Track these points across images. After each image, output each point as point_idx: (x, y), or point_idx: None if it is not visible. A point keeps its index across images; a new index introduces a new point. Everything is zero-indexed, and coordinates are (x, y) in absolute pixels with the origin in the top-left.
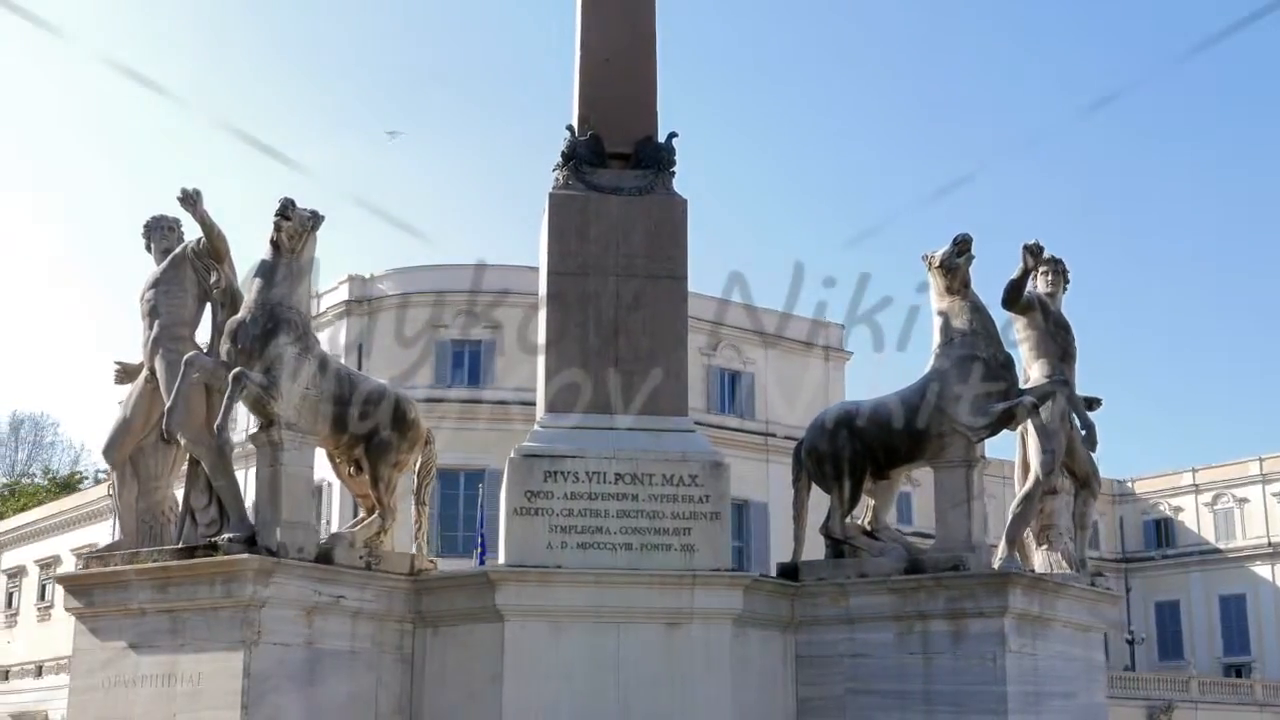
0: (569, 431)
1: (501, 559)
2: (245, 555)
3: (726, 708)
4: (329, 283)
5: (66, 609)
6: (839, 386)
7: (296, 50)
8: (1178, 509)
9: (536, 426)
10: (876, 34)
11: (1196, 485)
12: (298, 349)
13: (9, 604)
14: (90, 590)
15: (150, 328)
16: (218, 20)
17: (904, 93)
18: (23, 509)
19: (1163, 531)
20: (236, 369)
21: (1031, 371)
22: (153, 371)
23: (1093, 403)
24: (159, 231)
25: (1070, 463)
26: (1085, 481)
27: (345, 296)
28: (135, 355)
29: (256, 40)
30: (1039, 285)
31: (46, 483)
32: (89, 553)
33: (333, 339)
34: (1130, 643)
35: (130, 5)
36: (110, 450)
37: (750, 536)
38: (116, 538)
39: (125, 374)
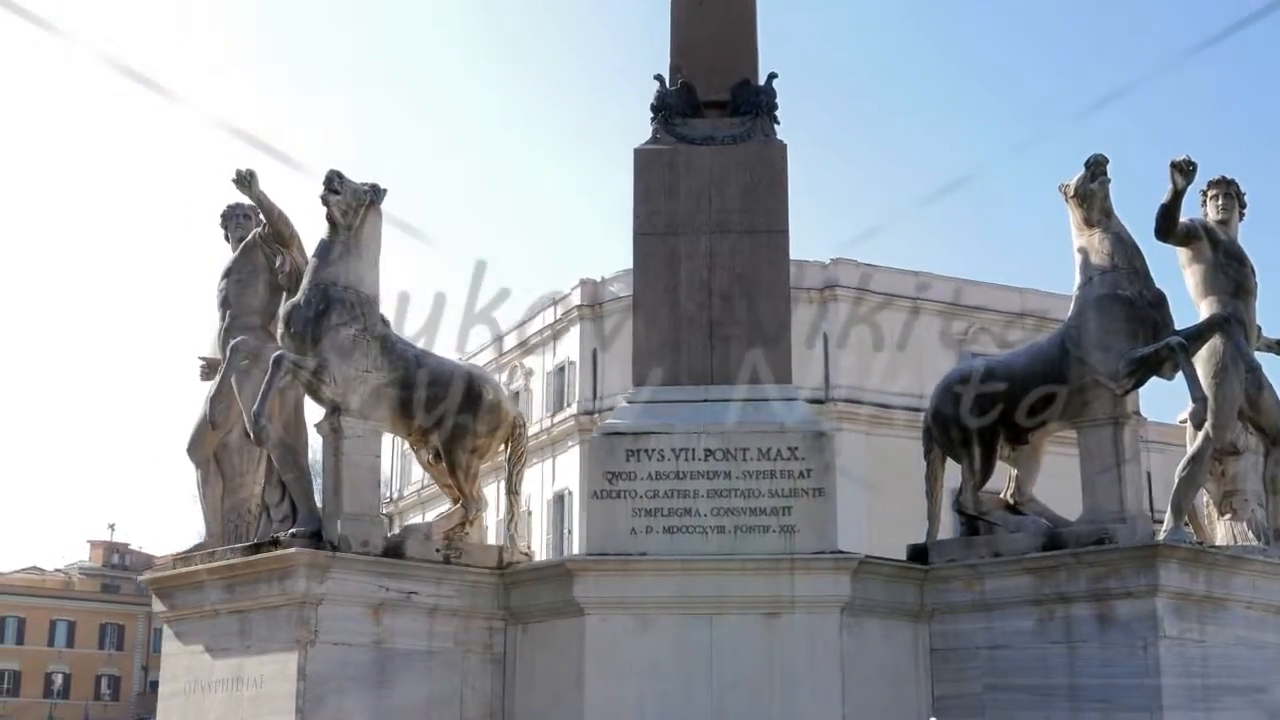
0: (655, 406)
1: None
2: (294, 550)
3: (835, 707)
4: (563, 289)
5: (154, 613)
6: None
7: (296, 50)
8: None
9: (623, 402)
10: (874, 34)
11: None
12: (353, 330)
13: None
14: (173, 592)
15: (223, 319)
16: (218, 20)
17: (903, 92)
18: None
19: None
20: (277, 352)
21: (1200, 311)
22: None
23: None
24: (234, 220)
25: (1254, 416)
26: (1276, 438)
27: (578, 301)
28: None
29: (256, 39)
30: (1209, 212)
31: None
32: (175, 554)
33: (569, 344)
34: None
35: (130, 5)
36: (193, 448)
37: None
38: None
39: (210, 369)
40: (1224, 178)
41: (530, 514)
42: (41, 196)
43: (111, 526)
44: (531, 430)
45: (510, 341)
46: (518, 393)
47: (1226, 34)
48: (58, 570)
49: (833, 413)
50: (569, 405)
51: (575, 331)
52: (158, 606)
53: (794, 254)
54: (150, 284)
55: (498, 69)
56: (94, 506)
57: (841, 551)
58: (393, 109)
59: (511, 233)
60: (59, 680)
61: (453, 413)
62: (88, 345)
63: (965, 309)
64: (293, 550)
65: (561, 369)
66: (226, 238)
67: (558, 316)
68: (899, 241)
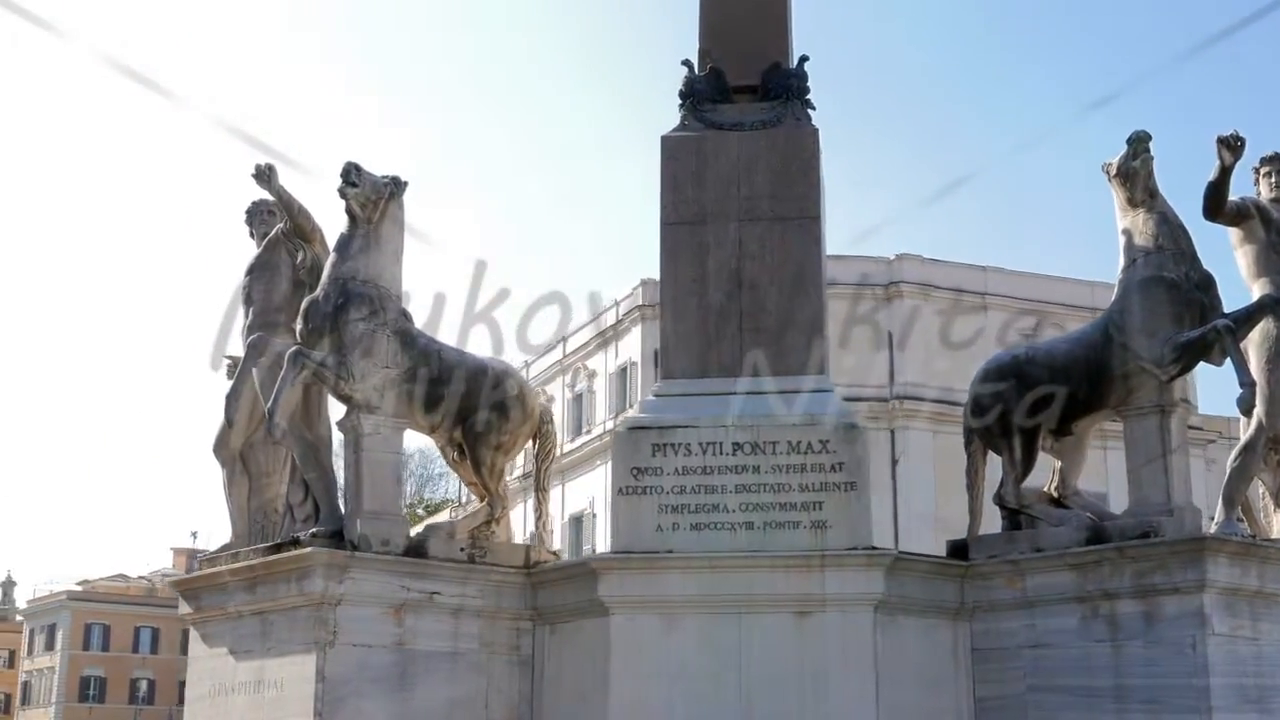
0: (682, 399)
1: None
2: (311, 550)
3: (869, 709)
4: (624, 290)
5: (181, 615)
6: None
7: (296, 50)
8: None
9: (649, 395)
10: (873, 32)
11: None
12: (371, 324)
13: None
14: (199, 594)
15: (246, 315)
16: (219, 19)
17: (903, 92)
18: None
19: None
20: (294, 348)
21: (1252, 293)
22: None
23: None
24: (259, 217)
25: None
26: None
27: (639, 301)
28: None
29: (256, 40)
30: (1262, 190)
31: (424, 513)
32: (203, 556)
33: (631, 345)
34: None
35: (130, 5)
36: (218, 448)
37: None
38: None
39: (235, 368)
40: (1277, 154)
41: (595, 516)
42: (51, 197)
43: (194, 534)
44: (595, 432)
45: (573, 343)
46: (580, 394)
47: (1225, 34)
48: (141, 577)
49: (898, 411)
50: (631, 406)
51: (637, 332)
52: (184, 609)
53: (857, 251)
54: (220, 287)
55: (549, 58)
56: (177, 514)
57: (874, 547)
58: (453, 109)
59: (573, 233)
60: (144, 686)
61: (474, 408)
62: (173, 354)
63: (1033, 303)
64: (310, 550)
65: (624, 370)
66: (251, 234)
67: (619, 317)
68: (955, 231)
